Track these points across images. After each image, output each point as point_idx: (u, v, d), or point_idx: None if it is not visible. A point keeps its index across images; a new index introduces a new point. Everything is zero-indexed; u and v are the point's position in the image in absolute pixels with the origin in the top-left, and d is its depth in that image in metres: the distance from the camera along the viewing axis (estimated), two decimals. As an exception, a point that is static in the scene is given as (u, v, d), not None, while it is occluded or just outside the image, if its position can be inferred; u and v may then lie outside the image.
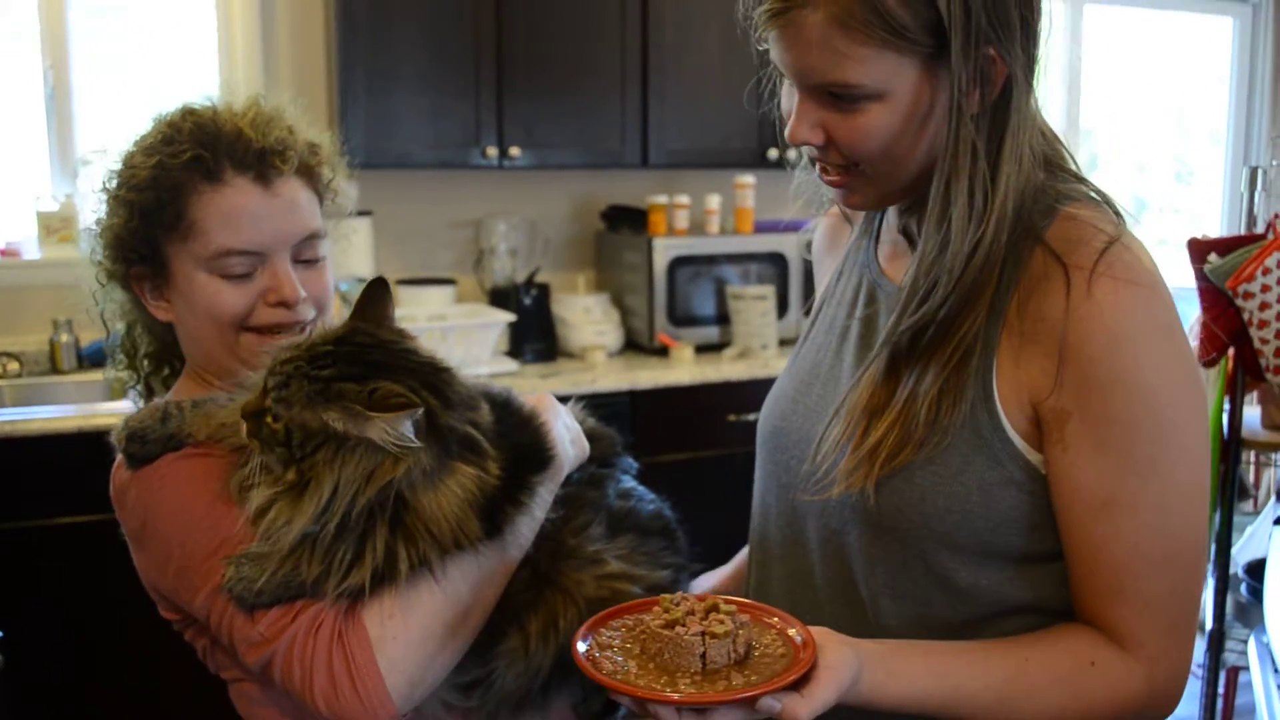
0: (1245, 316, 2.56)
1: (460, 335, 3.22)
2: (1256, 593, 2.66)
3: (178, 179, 1.15)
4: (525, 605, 1.12)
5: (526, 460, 1.11)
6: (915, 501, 1.04)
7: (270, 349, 1.08)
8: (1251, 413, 2.97)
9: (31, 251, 3.21)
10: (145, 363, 1.34)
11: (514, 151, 3.32)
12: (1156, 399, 0.98)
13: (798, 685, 0.89)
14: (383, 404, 0.98)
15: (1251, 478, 3.66)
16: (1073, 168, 1.10)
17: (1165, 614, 1.00)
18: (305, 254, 1.21)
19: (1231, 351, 2.68)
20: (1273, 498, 3.42)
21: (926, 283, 1.03)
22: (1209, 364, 2.69)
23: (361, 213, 3.24)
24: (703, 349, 3.55)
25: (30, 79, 3.20)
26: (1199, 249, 2.64)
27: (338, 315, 1.26)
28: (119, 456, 1.16)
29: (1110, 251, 0.99)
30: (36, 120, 3.21)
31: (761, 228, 3.71)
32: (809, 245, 1.39)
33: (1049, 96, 4.53)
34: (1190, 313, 2.73)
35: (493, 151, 3.31)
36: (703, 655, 0.91)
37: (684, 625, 0.92)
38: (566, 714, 1.23)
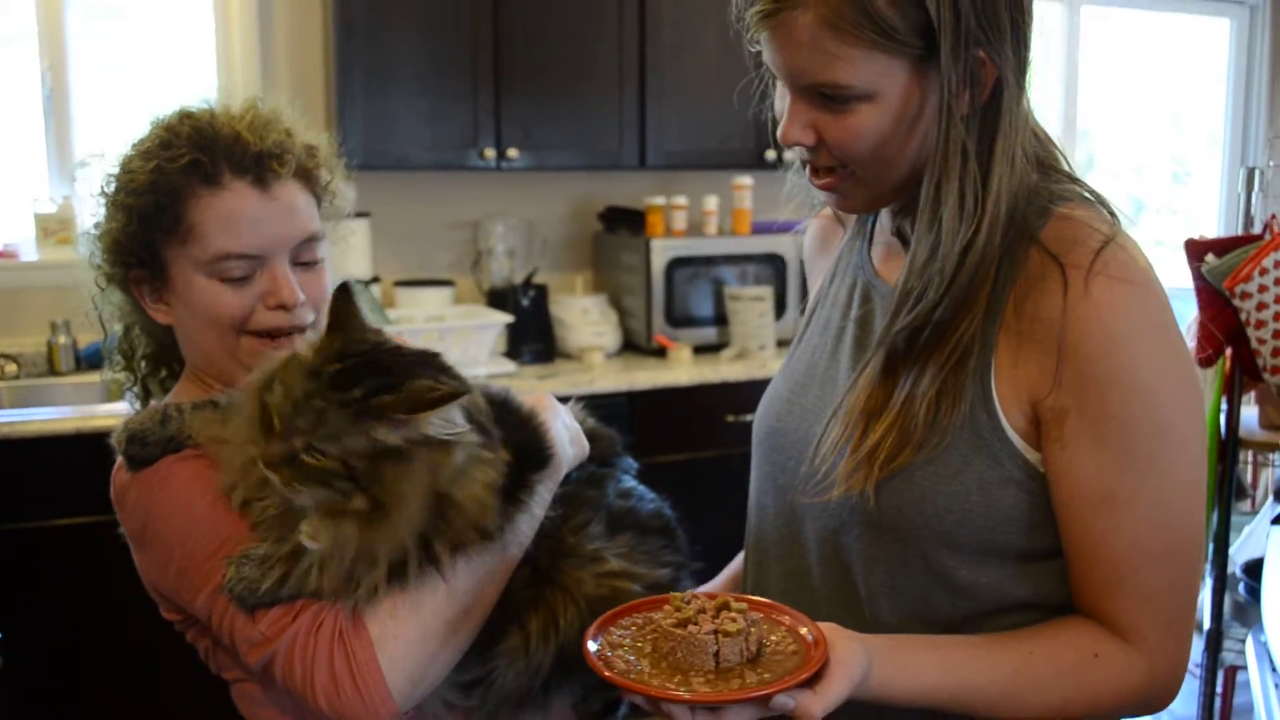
0: (1242, 317, 2.57)
1: (458, 336, 3.22)
2: (1254, 592, 2.66)
3: (176, 183, 1.15)
4: (525, 604, 1.12)
5: (525, 459, 1.12)
6: (915, 501, 1.04)
7: (246, 389, 1.04)
8: (1249, 413, 2.97)
9: (29, 253, 3.21)
10: (142, 365, 1.34)
11: (512, 153, 3.32)
12: (1154, 396, 0.99)
13: (810, 682, 0.90)
14: (422, 401, 0.97)
15: (1249, 478, 3.66)
16: (1065, 169, 1.11)
17: (1165, 606, 1.01)
18: (304, 256, 1.21)
19: (1229, 351, 2.68)
20: (1270, 497, 3.42)
21: (920, 284, 1.03)
22: (1206, 363, 2.69)
23: (359, 214, 3.24)
24: (700, 350, 3.55)
25: (28, 81, 3.20)
26: (1196, 249, 2.64)
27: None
28: (119, 458, 1.16)
29: (1106, 250, 0.99)
30: (34, 122, 3.21)
31: (759, 229, 3.71)
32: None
33: (1046, 97, 4.54)
34: (1188, 313, 2.73)
35: (490, 153, 3.31)
36: (716, 654, 0.91)
37: (696, 624, 0.92)
38: (567, 713, 1.23)
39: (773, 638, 0.96)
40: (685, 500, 1.32)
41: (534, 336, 3.49)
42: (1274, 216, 2.75)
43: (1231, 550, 2.82)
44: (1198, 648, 2.80)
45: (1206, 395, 2.70)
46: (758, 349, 3.50)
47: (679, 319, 3.55)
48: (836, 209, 1.20)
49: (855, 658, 0.93)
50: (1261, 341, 2.57)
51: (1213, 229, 4.94)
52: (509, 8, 3.27)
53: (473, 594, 1.08)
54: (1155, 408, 0.99)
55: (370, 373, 0.99)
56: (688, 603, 0.95)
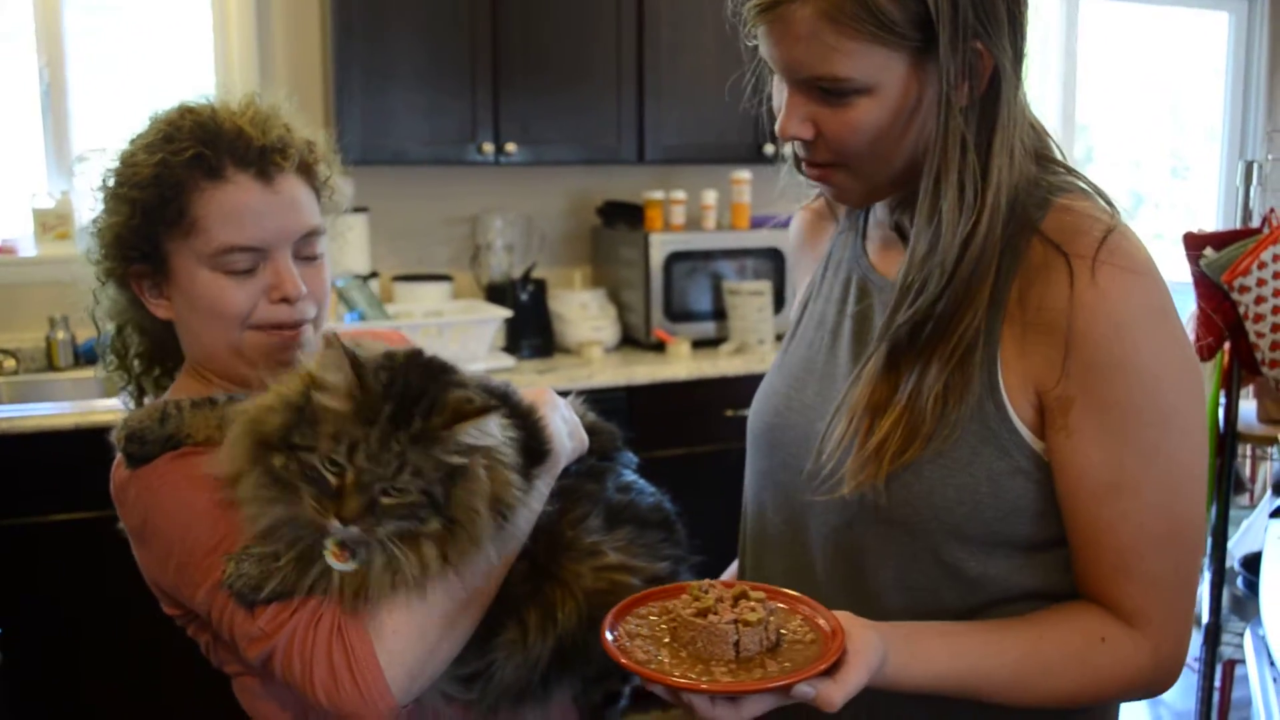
0: (1241, 310, 2.57)
1: (457, 331, 3.22)
2: (1253, 586, 2.66)
3: (180, 176, 1.15)
4: (523, 597, 1.12)
5: (524, 452, 1.12)
6: (924, 495, 1.05)
7: (235, 454, 1.03)
8: (1247, 406, 2.97)
9: (28, 249, 3.21)
10: (136, 363, 1.34)
11: (510, 148, 3.32)
12: (1158, 383, 1.00)
13: (830, 671, 0.90)
14: (462, 414, 1.00)
15: (1247, 471, 3.66)
16: (1062, 160, 1.11)
17: (1169, 591, 1.03)
18: (305, 250, 1.21)
19: (1227, 345, 2.68)
20: (1268, 491, 3.42)
21: (920, 277, 1.03)
22: (1205, 353, 2.69)
23: (357, 209, 3.24)
24: (699, 344, 3.55)
25: (26, 76, 3.19)
26: (1195, 243, 2.64)
27: (334, 312, 1.26)
28: (119, 455, 1.16)
29: (1110, 240, 1.00)
30: (32, 117, 3.21)
31: (757, 223, 3.71)
32: None
33: (1045, 92, 4.53)
34: (1187, 306, 2.73)
35: (489, 148, 3.30)
36: (736, 643, 0.91)
37: (716, 613, 0.92)
38: (567, 706, 1.23)
39: (789, 626, 0.96)
40: (684, 494, 1.32)
41: (533, 331, 3.49)
42: (1272, 210, 2.75)
43: (1230, 544, 2.83)
44: (1196, 642, 2.80)
45: (1205, 388, 2.69)
46: (756, 343, 3.50)
47: (678, 313, 3.55)
48: (835, 201, 1.20)
49: (872, 646, 0.94)
50: (1260, 335, 2.57)
51: (1211, 223, 4.94)
52: (507, 2, 3.26)
53: (471, 588, 1.08)
54: (1159, 394, 1.00)
55: (413, 400, 1.01)
56: (706, 592, 0.95)
